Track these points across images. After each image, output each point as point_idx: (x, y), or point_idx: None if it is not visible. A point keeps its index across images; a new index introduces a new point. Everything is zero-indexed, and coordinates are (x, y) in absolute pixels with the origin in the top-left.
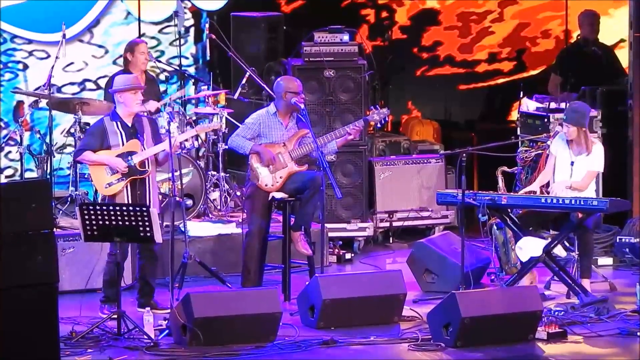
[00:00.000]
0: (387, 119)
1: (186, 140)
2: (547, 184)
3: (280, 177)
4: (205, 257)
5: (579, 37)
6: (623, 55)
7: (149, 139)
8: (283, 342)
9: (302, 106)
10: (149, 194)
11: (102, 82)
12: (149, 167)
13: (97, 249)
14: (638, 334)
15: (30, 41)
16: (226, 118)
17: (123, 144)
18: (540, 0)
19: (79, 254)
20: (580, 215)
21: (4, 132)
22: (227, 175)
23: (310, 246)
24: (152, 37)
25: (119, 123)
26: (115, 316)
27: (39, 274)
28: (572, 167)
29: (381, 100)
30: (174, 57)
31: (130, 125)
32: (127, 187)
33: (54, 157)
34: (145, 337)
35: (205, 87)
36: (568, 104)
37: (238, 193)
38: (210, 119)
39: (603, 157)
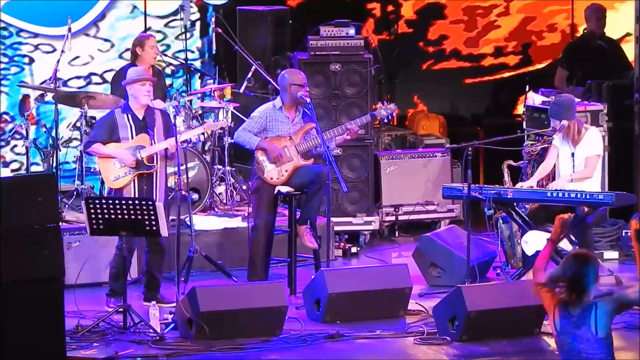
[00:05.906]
0: (394, 114)
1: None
2: (549, 177)
3: (286, 171)
4: (211, 251)
5: (585, 31)
6: (629, 49)
7: (159, 132)
8: (289, 336)
9: (308, 100)
10: (155, 188)
11: (108, 76)
12: (156, 163)
13: (103, 243)
14: None
15: (36, 35)
16: (232, 112)
17: (132, 137)
18: None
19: (84, 248)
20: (586, 209)
21: (10, 125)
22: (233, 169)
23: (316, 240)
24: (158, 31)
25: (129, 116)
26: (121, 310)
27: (45, 268)
28: (574, 159)
29: (387, 94)
30: (179, 51)
31: (141, 118)
32: (134, 181)
33: (60, 151)
34: (151, 331)
35: (211, 81)
36: (552, 99)
37: (244, 187)
38: (216, 114)
39: (599, 139)
